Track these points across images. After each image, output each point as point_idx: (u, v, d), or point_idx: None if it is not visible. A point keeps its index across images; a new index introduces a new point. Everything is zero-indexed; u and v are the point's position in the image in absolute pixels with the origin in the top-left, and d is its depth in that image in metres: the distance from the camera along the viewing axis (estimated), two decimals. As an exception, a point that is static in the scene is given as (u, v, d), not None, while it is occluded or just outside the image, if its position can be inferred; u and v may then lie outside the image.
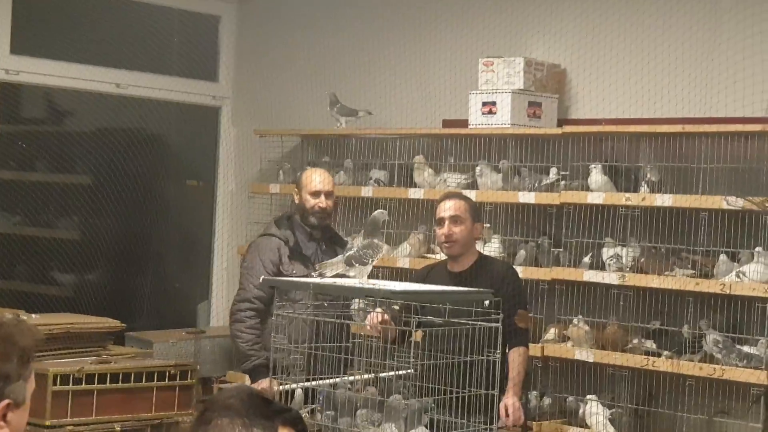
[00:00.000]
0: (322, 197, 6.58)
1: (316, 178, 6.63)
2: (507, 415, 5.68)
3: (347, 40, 8.43)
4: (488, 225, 6.91)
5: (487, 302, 5.02)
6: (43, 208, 8.43)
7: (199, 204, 9.23)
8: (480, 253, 6.17)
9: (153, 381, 7.04)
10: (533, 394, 6.73)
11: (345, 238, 7.03)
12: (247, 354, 6.40)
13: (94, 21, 8.50)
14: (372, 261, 5.04)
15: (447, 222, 5.92)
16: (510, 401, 5.70)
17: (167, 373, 7.11)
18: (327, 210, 6.63)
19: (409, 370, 5.15)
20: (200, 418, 2.46)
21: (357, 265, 4.99)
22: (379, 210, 5.44)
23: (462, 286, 5.57)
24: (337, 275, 5.12)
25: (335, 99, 8.04)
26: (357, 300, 6.58)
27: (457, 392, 5.07)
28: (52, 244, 8.47)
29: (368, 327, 5.57)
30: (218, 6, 9.07)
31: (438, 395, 5.14)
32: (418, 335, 5.82)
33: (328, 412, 5.08)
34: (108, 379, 6.87)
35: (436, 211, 6.03)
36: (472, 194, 7.11)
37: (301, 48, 8.69)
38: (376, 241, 5.06)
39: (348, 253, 5.09)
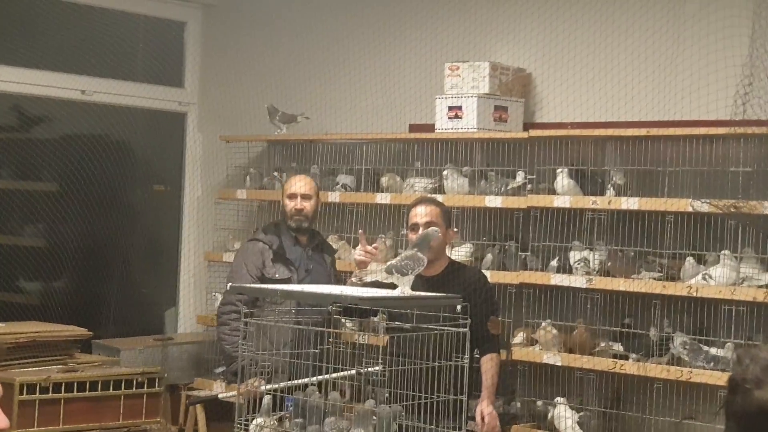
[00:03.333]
0: (298, 199, 6.65)
1: (294, 182, 6.72)
2: (483, 421, 5.68)
3: (313, 46, 8.43)
4: (456, 229, 6.91)
5: (459, 307, 5.02)
6: (8, 216, 8.38)
7: (165, 210, 9.20)
8: (450, 258, 6.17)
9: (120, 389, 7.01)
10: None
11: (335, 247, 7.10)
12: (232, 356, 6.43)
13: (59, 28, 8.46)
14: (413, 272, 5.05)
15: (422, 228, 5.83)
16: (485, 408, 5.70)
17: (134, 381, 7.08)
18: (303, 212, 6.66)
19: (378, 368, 5.16)
20: None
21: (396, 274, 4.99)
22: (433, 228, 5.46)
23: (434, 291, 5.56)
24: (376, 283, 5.12)
25: (274, 109, 8.09)
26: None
27: (426, 397, 5.08)
28: (17, 252, 8.41)
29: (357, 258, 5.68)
30: (183, 12, 9.05)
31: (406, 401, 5.13)
32: (384, 340, 5.83)
33: (297, 420, 5.07)
34: (75, 387, 6.84)
35: (409, 216, 5.98)
36: (439, 199, 7.12)
37: (266, 54, 8.69)
38: (419, 254, 5.07)
39: (390, 263, 5.08)
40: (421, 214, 5.90)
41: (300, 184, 6.73)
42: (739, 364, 2.25)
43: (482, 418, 5.69)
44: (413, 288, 5.13)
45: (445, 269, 5.94)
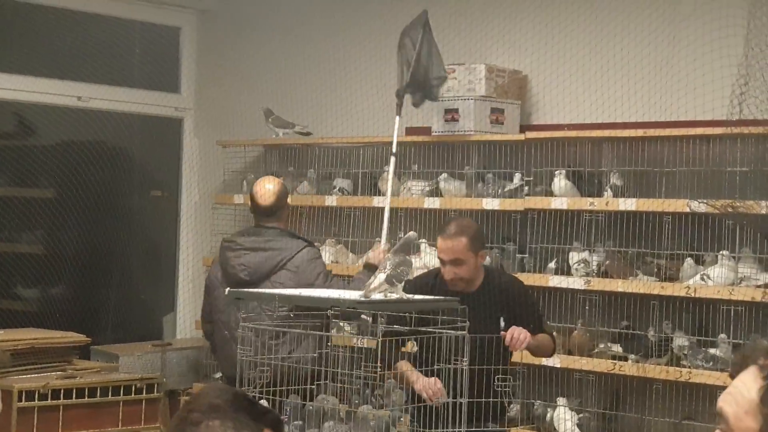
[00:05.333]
0: None
1: None
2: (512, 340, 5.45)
3: (308, 50, 8.43)
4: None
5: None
6: (6, 223, 8.38)
7: (163, 215, 9.20)
8: (484, 270, 5.81)
9: (119, 395, 7.01)
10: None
11: None
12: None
13: (55, 35, 8.46)
14: (407, 276, 5.05)
15: (448, 265, 5.61)
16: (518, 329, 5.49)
17: (133, 387, 7.07)
18: None
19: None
20: (186, 419, 2.41)
21: (398, 284, 4.98)
22: (413, 232, 5.43)
23: (472, 307, 5.44)
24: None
25: (269, 111, 8.08)
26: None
27: (425, 402, 5.09)
28: (15, 259, 8.41)
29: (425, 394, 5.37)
30: (179, 17, 9.04)
31: (407, 404, 5.15)
32: (411, 347, 5.75)
33: (296, 422, 5.07)
34: (74, 394, 6.83)
35: (438, 245, 5.71)
36: (436, 202, 7.13)
37: (262, 58, 8.68)
38: (408, 257, 5.06)
39: (387, 273, 5.03)
40: (446, 250, 5.61)
41: None
42: None
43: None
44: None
45: (481, 284, 5.74)
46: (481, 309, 5.49)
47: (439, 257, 5.69)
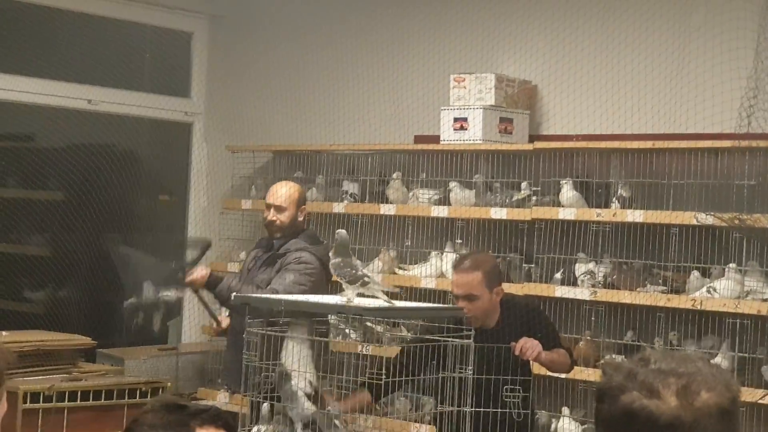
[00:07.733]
0: (272, 210, 6.58)
1: (270, 190, 6.67)
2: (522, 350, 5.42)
3: (320, 57, 8.44)
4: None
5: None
6: (15, 225, 8.38)
7: (171, 220, 9.20)
8: (500, 305, 5.73)
9: (124, 398, 7.01)
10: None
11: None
12: None
13: (66, 37, 8.47)
14: (359, 269, 5.06)
15: (462, 300, 5.55)
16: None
17: (138, 391, 7.08)
18: (275, 223, 6.58)
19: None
20: None
21: (367, 281, 4.95)
22: (340, 230, 5.39)
23: (493, 344, 5.42)
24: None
25: None
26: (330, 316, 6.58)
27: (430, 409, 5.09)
28: (23, 261, 8.42)
29: None
30: (190, 22, 9.06)
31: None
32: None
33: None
34: (79, 396, 6.84)
35: (452, 280, 5.70)
36: (444, 210, 7.13)
37: (272, 64, 8.69)
38: (347, 258, 5.06)
39: (347, 281, 5.00)
40: (459, 285, 5.57)
41: (272, 193, 6.64)
42: (604, 375, 2.38)
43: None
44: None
45: (500, 319, 5.69)
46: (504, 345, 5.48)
47: (452, 292, 5.66)
